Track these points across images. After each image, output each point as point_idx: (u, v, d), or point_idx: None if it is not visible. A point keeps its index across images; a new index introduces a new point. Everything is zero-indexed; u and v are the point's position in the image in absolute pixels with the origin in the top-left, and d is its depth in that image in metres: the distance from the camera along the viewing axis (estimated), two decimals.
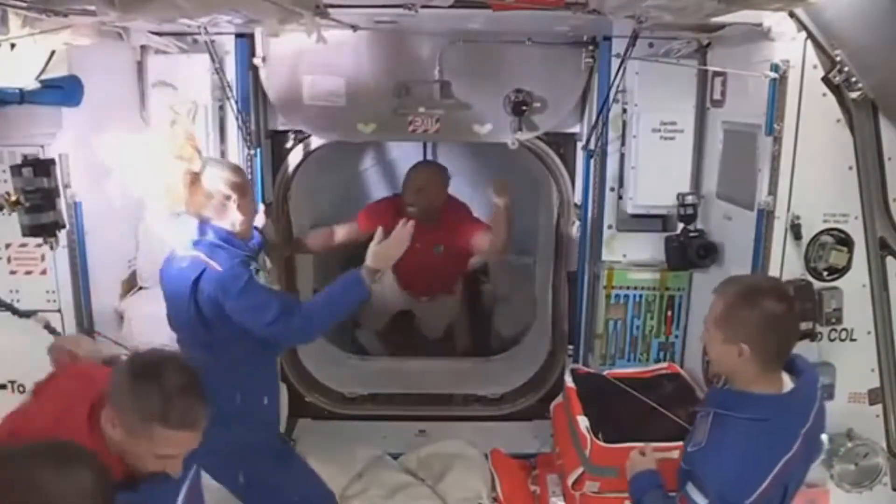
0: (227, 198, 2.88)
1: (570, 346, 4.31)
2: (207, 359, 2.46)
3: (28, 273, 3.06)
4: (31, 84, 2.81)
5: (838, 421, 3.07)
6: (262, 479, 3.06)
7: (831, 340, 3.03)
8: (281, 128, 4.10)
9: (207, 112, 3.69)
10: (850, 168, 2.88)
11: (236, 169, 3.10)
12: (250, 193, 3.05)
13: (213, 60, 3.65)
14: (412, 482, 3.97)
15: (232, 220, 2.89)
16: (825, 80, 2.81)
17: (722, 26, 3.14)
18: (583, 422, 3.22)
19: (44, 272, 3.06)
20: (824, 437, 2.49)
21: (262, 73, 3.85)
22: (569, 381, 3.61)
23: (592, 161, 3.90)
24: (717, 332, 2.27)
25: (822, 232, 2.93)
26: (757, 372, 2.25)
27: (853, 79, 2.73)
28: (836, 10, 2.61)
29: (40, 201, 2.70)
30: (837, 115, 2.85)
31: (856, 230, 2.94)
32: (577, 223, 4.14)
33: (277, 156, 4.18)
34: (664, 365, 3.82)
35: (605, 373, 3.71)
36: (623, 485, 3.06)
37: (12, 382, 3.16)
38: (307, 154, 4.22)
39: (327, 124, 3.97)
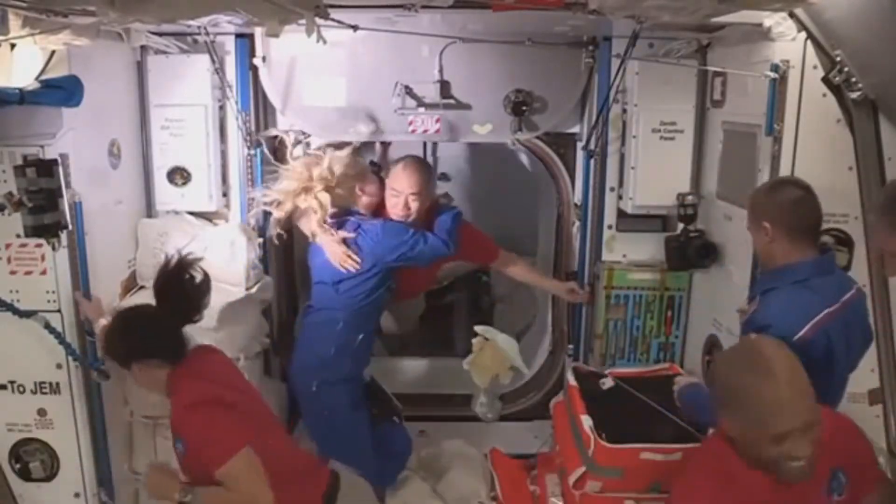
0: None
1: (570, 346, 4.32)
2: None
3: (28, 273, 3.05)
4: (31, 84, 2.80)
5: None
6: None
7: None
8: (281, 128, 4.10)
9: (207, 112, 3.70)
10: (850, 168, 2.88)
11: None
12: None
13: (213, 60, 3.66)
14: (412, 482, 3.97)
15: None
16: (825, 80, 2.81)
17: (722, 26, 3.15)
18: (586, 421, 3.16)
19: (44, 272, 3.04)
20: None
21: (262, 73, 3.85)
22: (571, 379, 3.56)
23: (592, 161, 3.91)
24: (748, 223, 2.60)
25: (822, 232, 2.93)
26: (787, 248, 2.48)
27: (853, 79, 2.73)
28: (836, 10, 2.61)
29: (43, 202, 2.69)
30: (837, 115, 2.85)
31: (856, 230, 2.94)
32: (577, 223, 4.15)
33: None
34: (665, 365, 3.81)
35: (606, 371, 3.69)
36: (624, 485, 3.07)
37: (12, 382, 3.14)
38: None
39: (327, 124, 3.97)
